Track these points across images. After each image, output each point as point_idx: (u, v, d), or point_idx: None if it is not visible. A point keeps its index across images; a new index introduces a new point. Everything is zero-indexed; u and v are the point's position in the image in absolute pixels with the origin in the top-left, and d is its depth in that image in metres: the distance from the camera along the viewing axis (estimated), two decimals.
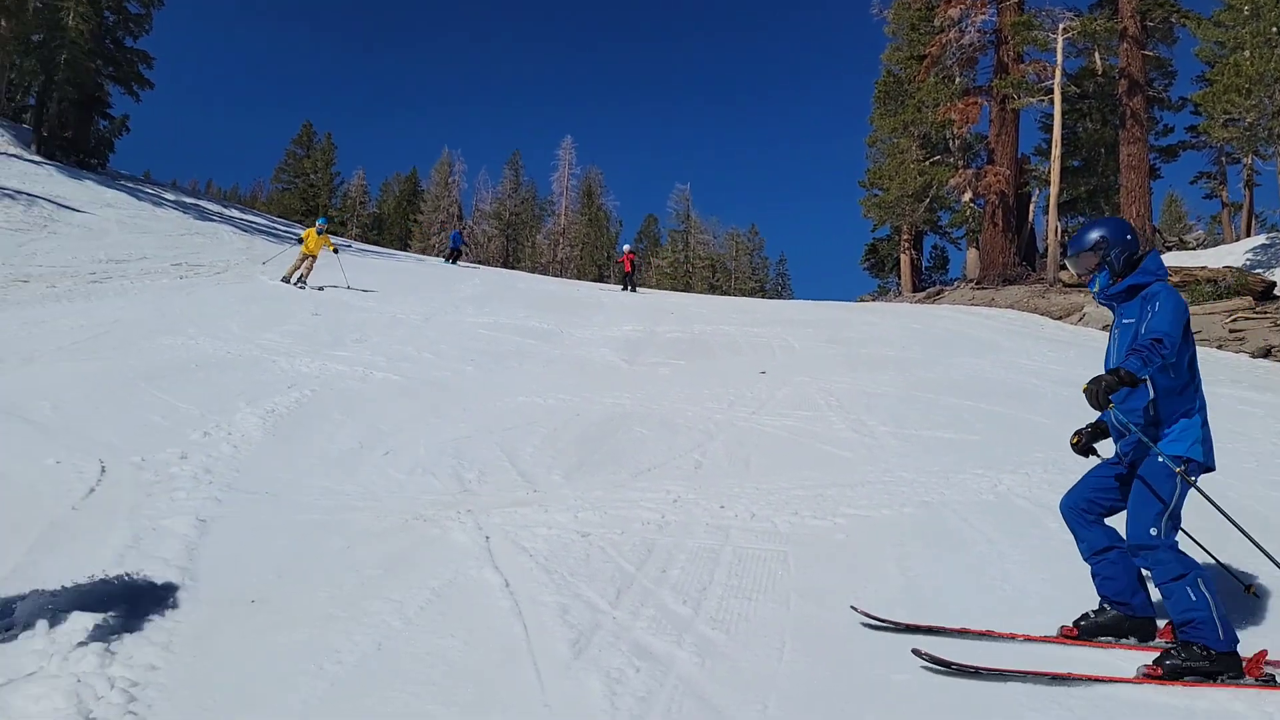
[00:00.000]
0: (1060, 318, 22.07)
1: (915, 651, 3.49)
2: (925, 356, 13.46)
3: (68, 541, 4.38)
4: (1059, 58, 27.03)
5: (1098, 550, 3.89)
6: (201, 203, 35.48)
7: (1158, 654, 3.56)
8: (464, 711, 3.05)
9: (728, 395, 9.74)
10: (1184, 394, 3.66)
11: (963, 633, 3.89)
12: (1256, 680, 3.38)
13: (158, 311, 12.05)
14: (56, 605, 3.58)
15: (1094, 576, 3.93)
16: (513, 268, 57.04)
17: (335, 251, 19.02)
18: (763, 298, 51.52)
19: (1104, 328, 20.49)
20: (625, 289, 27.54)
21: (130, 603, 3.72)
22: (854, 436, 8.09)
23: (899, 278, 39.45)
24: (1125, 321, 3.77)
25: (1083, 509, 3.94)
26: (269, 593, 4.03)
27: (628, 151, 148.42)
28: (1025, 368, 12.84)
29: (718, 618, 4.03)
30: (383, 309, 15.11)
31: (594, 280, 53.75)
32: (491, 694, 3.19)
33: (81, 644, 3.30)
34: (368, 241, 54.84)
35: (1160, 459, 3.55)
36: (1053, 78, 27.16)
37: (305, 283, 17.22)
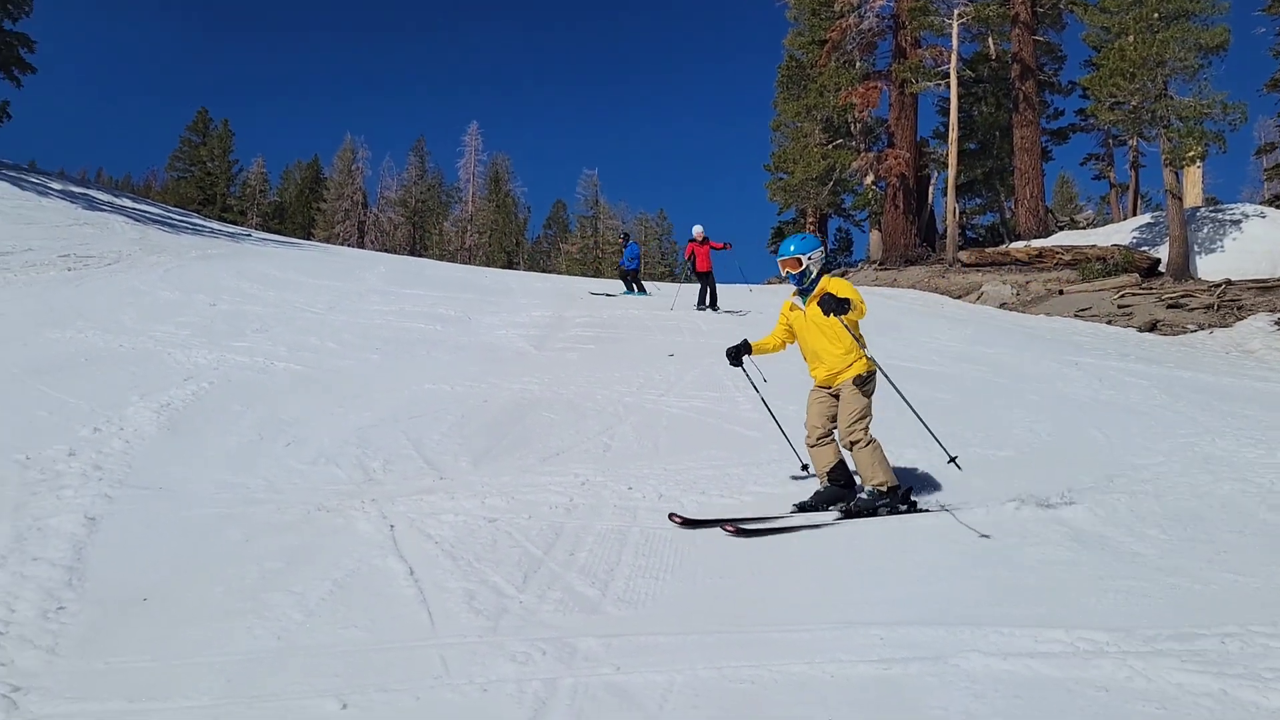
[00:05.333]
0: (960, 296, 22.76)
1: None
2: None
3: None
4: (954, 43, 27.77)
5: None
6: (91, 192, 33.90)
7: None
8: (367, 702, 3.01)
9: (636, 378, 9.77)
10: None
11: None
12: None
13: (44, 305, 11.50)
14: None
15: None
16: (420, 255, 56.30)
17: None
18: (672, 282, 51.76)
19: (1001, 305, 21.20)
20: None
21: (11, 606, 3.57)
22: (759, 417, 8.18)
23: None
24: None
25: None
26: (163, 590, 3.91)
27: (535, 138, 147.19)
28: (926, 345, 13.20)
29: (625, 597, 4.06)
30: (285, 298, 14.68)
31: (503, 267, 53.38)
32: (395, 683, 3.15)
33: None
34: (269, 230, 53.25)
35: None
36: (949, 62, 27.89)
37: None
